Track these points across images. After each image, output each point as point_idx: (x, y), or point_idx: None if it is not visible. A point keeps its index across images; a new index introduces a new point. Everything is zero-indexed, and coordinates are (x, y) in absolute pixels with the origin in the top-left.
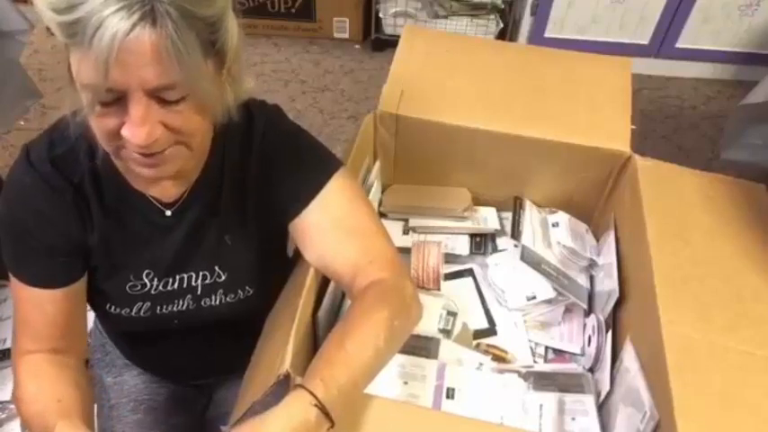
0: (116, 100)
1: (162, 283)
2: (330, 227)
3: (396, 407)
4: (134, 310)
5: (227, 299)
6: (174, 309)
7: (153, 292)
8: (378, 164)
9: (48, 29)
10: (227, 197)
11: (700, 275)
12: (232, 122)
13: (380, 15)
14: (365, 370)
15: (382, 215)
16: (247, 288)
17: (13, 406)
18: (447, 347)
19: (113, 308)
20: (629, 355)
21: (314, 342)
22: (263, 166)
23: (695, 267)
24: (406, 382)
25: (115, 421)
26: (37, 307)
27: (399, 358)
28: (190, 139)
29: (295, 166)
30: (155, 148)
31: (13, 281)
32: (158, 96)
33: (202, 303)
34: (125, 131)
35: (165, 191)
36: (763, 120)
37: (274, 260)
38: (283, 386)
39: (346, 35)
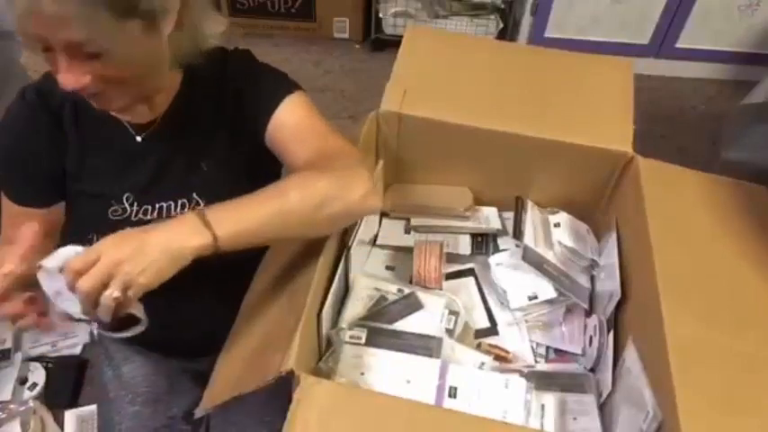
0: (50, 49)
1: (142, 210)
2: (290, 135)
3: (398, 404)
4: None
5: None
6: None
7: (133, 218)
8: (381, 163)
9: None
10: (202, 125)
11: (702, 276)
12: (206, 61)
13: (380, 15)
14: (267, 211)
15: (384, 214)
16: None
17: (13, 406)
18: (449, 347)
19: (96, 236)
20: (631, 356)
21: (317, 340)
22: (235, 96)
23: (697, 268)
24: (408, 381)
25: (114, 413)
26: (15, 222)
27: (401, 357)
28: (124, 83)
29: (258, 88)
30: (88, 91)
31: (3, 197)
32: (70, 45)
33: None
34: (58, 77)
35: (139, 115)
36: (763, 120)
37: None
38: (286, 383)
39: (346, 35)
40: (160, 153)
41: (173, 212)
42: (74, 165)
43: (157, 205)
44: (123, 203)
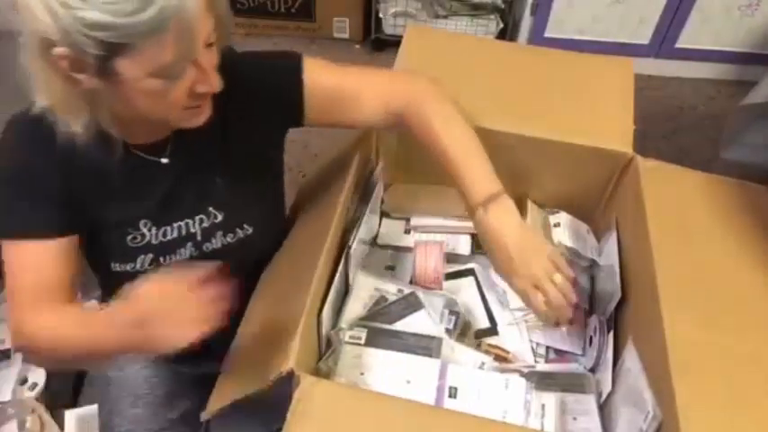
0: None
1: (161, 233)
2: (340, 94)
3: (398, 404)
4: (138, 264)
5: (228, 239)
6: (178, 257)
7: (154, 242)
8: (381, 163)
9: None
10: (212, 139)
11: (702, 276)
12: None
13: (380, 15)
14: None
15: (384, 214)
16: (245, 226)
17: (12, 407)
18: (449, 347)
19: (118, 265)
20: (630, 356)
21: (317, 340)
22: (240, 102)
23: (697, 268)
24: (408, 381)
25: (115, 415)
26: (31, 265)
27: (401, 357)
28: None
29: (269, 84)
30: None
31: (6, 245)
32: (207, 44)
33: (204, 248)
34: (202, 87)
35: (144, 137)
36: (763, 120)
37: (269, 198)
38: (287, 383)
39: (346, 35)
40: (175, 173)
41: (192, 229)
42: (81, 194)
43: (176, 225)
44: (140, 229)
